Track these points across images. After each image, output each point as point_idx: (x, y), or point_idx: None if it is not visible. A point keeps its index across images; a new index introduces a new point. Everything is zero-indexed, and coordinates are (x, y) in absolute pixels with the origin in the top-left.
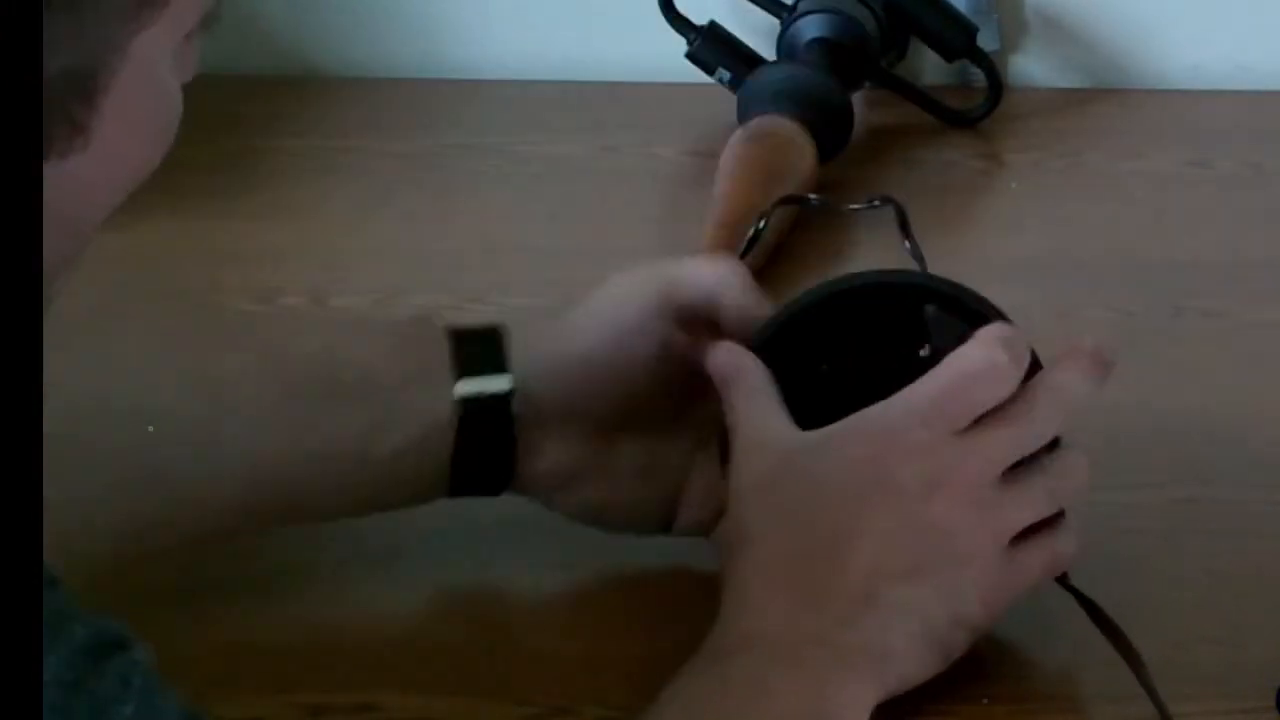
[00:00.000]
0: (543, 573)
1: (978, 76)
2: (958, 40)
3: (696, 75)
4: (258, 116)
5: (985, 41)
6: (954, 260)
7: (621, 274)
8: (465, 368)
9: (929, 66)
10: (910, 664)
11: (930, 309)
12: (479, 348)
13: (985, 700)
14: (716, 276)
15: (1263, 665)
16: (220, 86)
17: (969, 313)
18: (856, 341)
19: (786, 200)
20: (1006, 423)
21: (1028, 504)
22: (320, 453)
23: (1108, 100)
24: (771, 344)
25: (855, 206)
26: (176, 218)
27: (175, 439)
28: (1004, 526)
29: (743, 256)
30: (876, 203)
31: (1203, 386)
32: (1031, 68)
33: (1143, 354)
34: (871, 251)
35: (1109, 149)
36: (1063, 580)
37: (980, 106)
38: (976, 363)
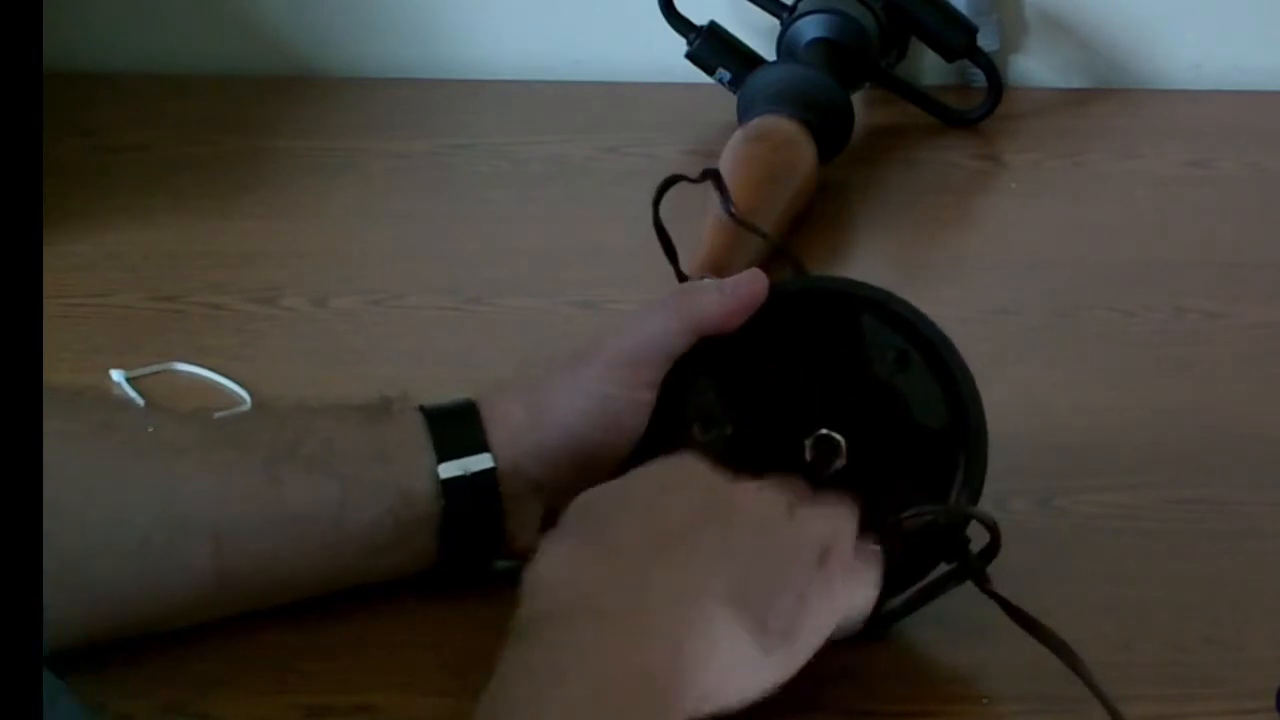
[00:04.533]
0: None
1: (978, 76)
2: (958, 40)
3: (696, 75)
4: (258, 116)
5: (985, 41)
6: (954, 260)
7: (593, 349)
8: (444, 449)
9: (929, 66)
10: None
11: (868, 319)
12: (455, 426)
13: (985, 700)
14: (668, 335)
15: (1263, 665)
16: (220, 86)
17: (903, 323)
18: (789, 343)
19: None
20: None
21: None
22: (288, 520)
23: (1108, 100)
24: (705, 341)
25: (691, 178)
26: (176, 218)
27: (132, 505)
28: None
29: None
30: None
31: (1203, 386)
32: (1031, 68)
33: (1143, 354)
34: (871, 253)
35: (1109, 149)
36: (985, 588)
37: (980, 106)
38: None
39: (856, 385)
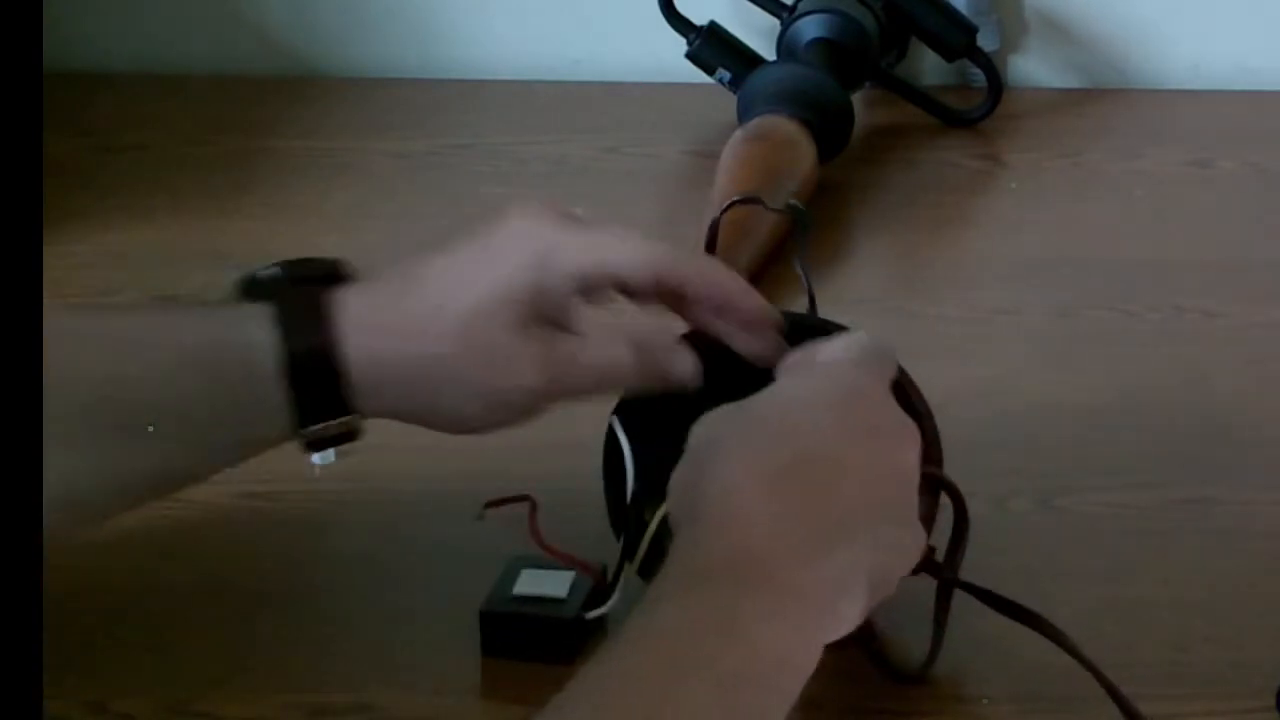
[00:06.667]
0: None
1: (978, 76)
2: (958, 40)
3: (696, 75)
4: (258, 116)
5: (985, 41)
6: (954, 260)
7: (484, 260)
8: (303, 410)
9: (929, 66)
10: (854, 608)
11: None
12: (313, 377)
13: (985, 700)
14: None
15: (1263, 665)
16: (220, 86)
17: None
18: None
19: (734, 204)
20: None
21: None
22: (137, 482)
23: (1108, 100)
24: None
25: (775, 208)
26: (176, 218)
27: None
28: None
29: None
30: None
31: (1203, 386)
32: (1031, 68)
33: (1143, 354)
34: (871, 253)
35: (1109, 149)
36: (956, 580)
37: (980, 106)
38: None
39: None
